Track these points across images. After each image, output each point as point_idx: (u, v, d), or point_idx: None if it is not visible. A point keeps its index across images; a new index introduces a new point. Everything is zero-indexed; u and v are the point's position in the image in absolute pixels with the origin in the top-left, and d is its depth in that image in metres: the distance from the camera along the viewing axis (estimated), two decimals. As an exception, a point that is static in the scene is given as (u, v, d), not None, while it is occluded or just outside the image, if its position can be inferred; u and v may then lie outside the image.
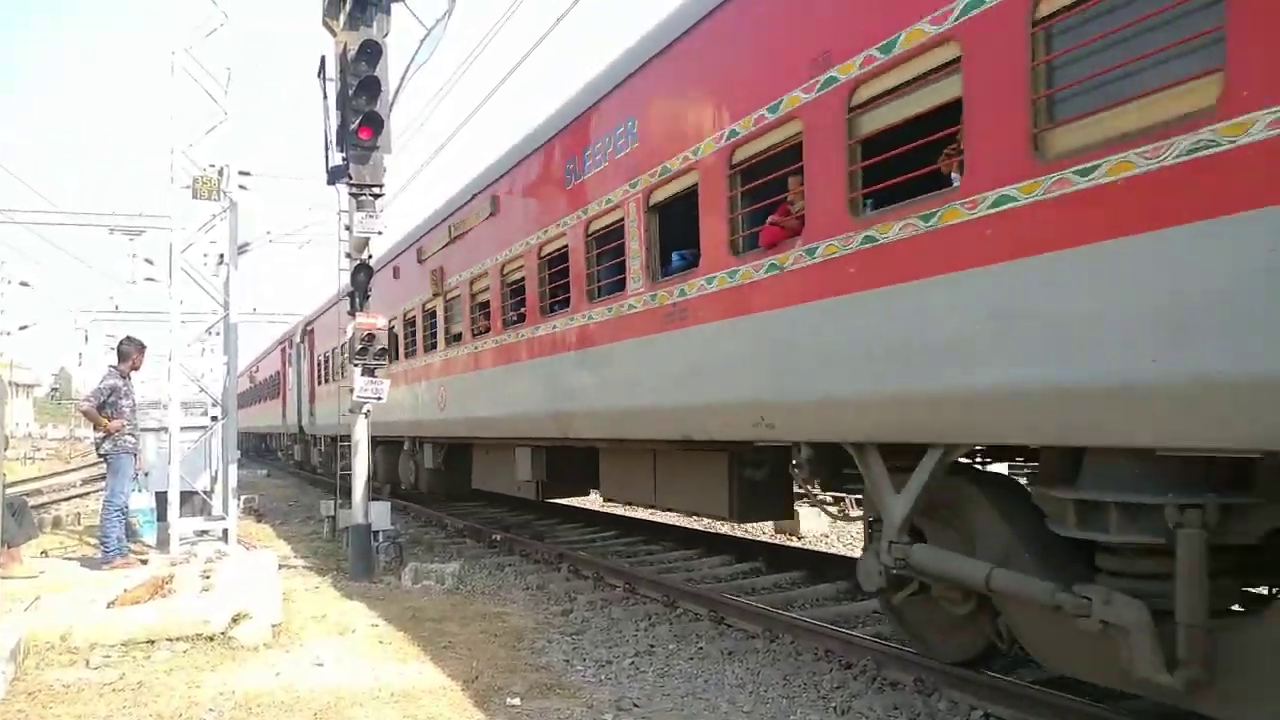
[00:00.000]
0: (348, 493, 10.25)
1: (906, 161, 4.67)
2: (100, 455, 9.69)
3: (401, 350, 14.08)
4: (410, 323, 13.70)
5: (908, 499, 4.88)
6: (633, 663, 6.18)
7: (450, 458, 13.60)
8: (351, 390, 10.00)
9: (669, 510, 9.96)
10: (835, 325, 5.04)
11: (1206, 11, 3.27)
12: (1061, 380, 3.77)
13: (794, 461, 5.96)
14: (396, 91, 9.98)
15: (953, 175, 4.54)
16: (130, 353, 9.70)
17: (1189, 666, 3.65)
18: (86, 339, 40.17)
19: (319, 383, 20.95)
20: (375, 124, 9.38)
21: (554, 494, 11.35)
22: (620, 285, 7.46)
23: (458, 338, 11.68)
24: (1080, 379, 3.70)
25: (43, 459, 42.27)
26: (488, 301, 10.58)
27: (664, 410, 6.88)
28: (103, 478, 10.37)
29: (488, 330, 10.59)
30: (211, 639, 6.60)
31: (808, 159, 5.23)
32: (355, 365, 9.85)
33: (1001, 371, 4.04)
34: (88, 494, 20.69)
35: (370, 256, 10.18)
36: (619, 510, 13.85)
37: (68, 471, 31.21)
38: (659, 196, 6.85)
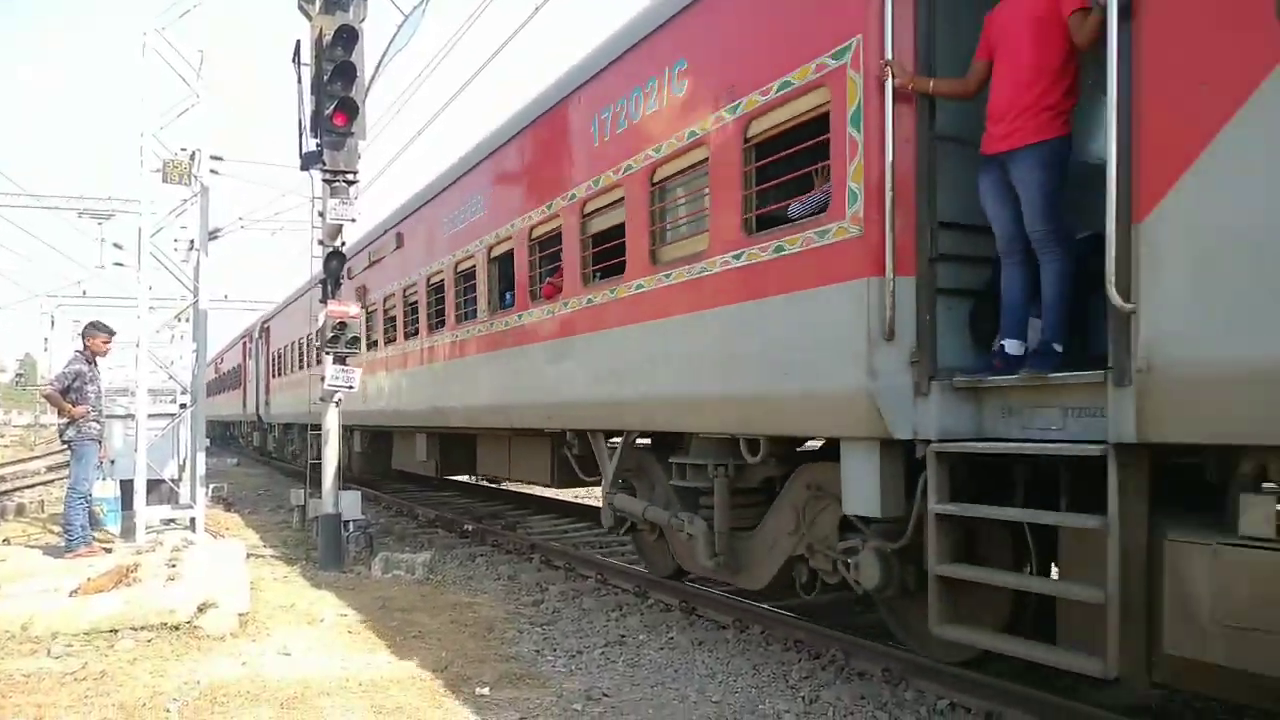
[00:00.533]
0: (318, 482, 10.16)
1: (615, 252, 7.06)
2: (64, 442, 9.52)
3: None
4: None
5: (613, 465, 7.59)
6: (603, 653, 6.18)
7: (374, 443, 16.53)
8: (322, 379, 9.91)
9: (518, 481, 12.27)
10: (577, 354, 7.56)
11: (706, 199, 5.88)
12: (663, 393, 6.36)
13: (567, 441, 8.42)
14: (373, 77, 9.89)
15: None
16: (94, 337, 9.51)
17: (719, 557, 6.43)
18: (53, 324, 39.61)
19: (274, 376, 23.15)
20: (350, 110, 9.27)
21: (448, 472, 13.86)
22: (475, 313, 9.92)
23: (374, 344, 14.10)
24: (672, 393, 6.27)
25: (6, 445, 41.60)
26: (395, 316, 13.16)
27: (497, 407, 9.36)
28: (67, 465, 10.21)
29: (394, 340, 13.22)
30: (177, 628, 6.52)
31: (564, 243, 7.76)
32: (327, 353, 9.75)
33: (643, 389, 6.58)
34: (52, 481, 20.36)
35: (343, 244, 10.09)
36: (592, 501, 13.85)
37: (32, 459, 30.71)
38: (496, 252, 9.31)
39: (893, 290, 4.44)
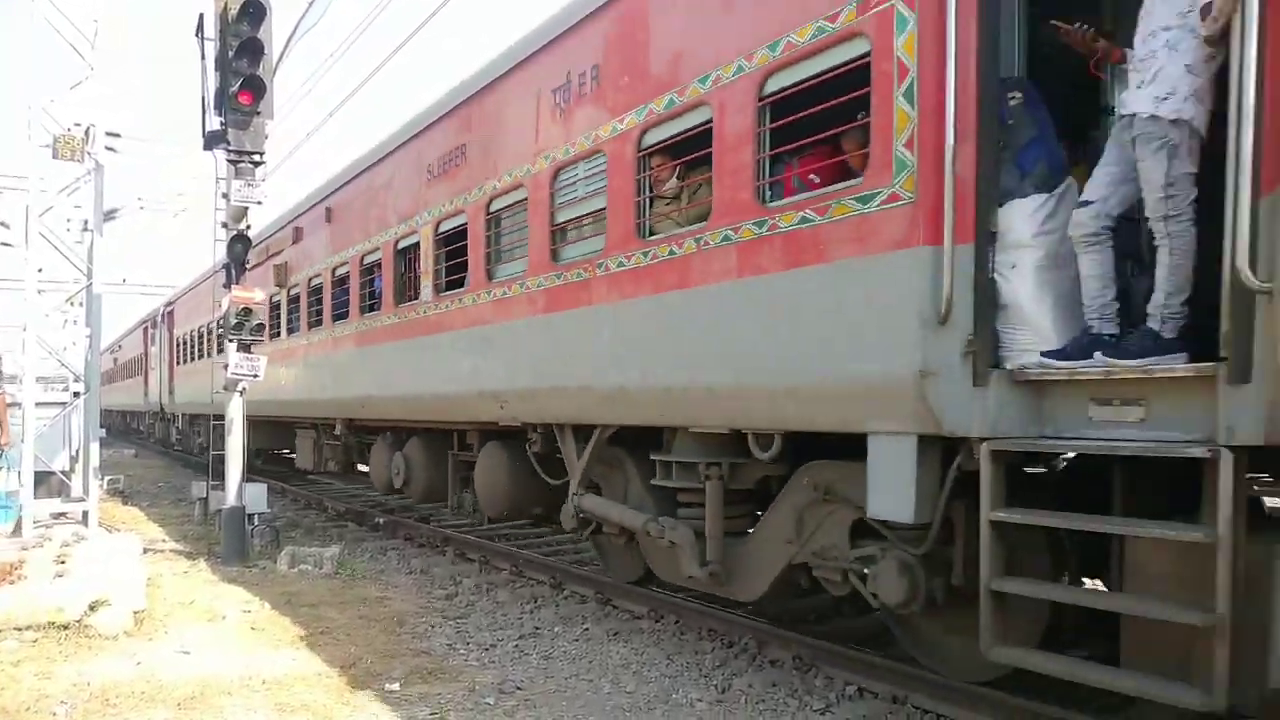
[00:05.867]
0: (220, 474, 9.80)
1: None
2: None
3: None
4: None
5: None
6: (517, 645, 6.13)
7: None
8: (225, 367, 9.55)
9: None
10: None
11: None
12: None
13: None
14: (281, 55, 9.56)
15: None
16: None
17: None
18: (-69, 307, 37.22)
19: (110, 381, 34.40)
20: (257, 88, 8.93)
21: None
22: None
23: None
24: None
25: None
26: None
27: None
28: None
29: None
30: (66, 627, 6.22)
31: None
32: (230, 340, 9.40)
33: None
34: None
35: (249, 227, 9.72)
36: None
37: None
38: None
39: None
